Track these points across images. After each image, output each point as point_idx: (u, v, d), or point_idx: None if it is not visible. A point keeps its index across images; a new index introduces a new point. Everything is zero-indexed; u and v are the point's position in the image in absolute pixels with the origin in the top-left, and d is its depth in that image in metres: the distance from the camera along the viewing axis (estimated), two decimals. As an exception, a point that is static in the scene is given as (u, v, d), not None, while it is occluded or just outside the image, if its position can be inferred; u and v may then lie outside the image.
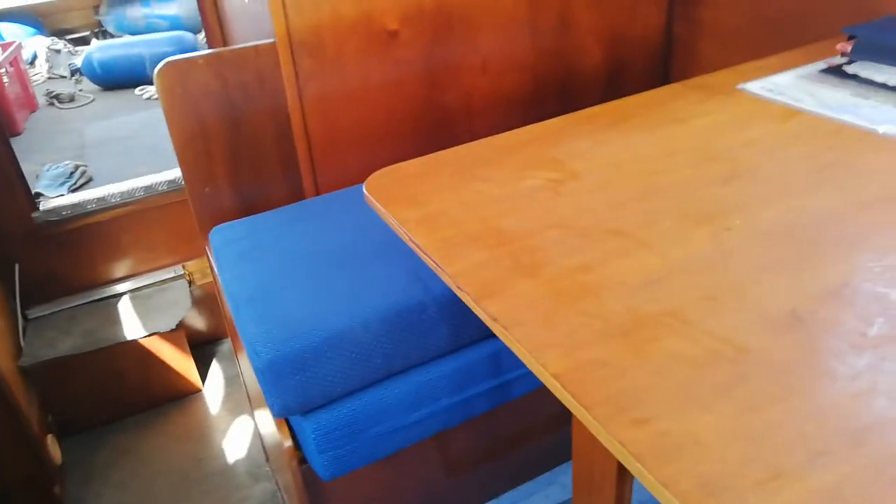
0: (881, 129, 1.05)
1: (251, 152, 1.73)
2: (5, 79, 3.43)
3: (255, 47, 1.67)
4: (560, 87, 2.05)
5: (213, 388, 2.59)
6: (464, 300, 0.79)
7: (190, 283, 2.61)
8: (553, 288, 0.78)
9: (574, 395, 0.62)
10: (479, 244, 0.88)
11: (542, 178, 1.04)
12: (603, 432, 0.58)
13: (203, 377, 2.61)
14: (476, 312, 0.76)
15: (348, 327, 1.12)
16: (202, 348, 2.73)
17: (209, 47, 2.75)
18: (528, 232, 0.90)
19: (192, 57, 1.63)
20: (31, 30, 4.96)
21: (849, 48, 1.27)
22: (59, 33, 5.12)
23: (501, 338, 0.72)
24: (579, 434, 1.06)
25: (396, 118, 1.82)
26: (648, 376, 0.64)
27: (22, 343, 2.28)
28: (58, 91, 3.99)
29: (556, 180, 1.03)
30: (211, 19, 2.55)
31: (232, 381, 2.61)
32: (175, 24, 4.84)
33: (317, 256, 1.32)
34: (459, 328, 1.18)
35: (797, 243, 0.82)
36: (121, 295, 2.53)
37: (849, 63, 1.27)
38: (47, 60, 4.60)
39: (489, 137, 1.21)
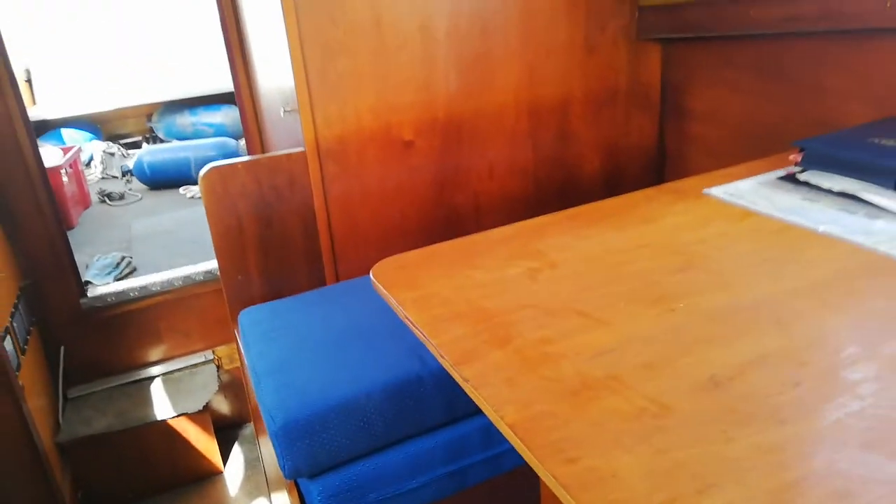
0: (821, 228, 1.21)
1: (280, 245, 1.94)
2: (65, 178, 3.79)
3: (288, 155, 1.92)
4: (561, 191, 2.26)
5: (234, 471, 2.69)
6: (444, 366, 0.94)
7: (218, 367, 2.78)
8: (520, 356, 0.93)
9: (523, 440, 0.76)
10: (462, 320, 1.04)
11: (524, 266, 1.21)
12: (541, 468, 0.72)
13: (225, 459, 2.72)
14: (452, 375, 0.91)
15: (353, 397, 1.27)
16: (226, 432, 2.86)
17: (248, 152, 3.06)
18: (506, 311, 1.06)
19: (233, 162, 1.88)
20: (89, 135, 5.46)
21: (800, 158, 1.45)
22: (115, 138, 5.62)
23: (471, 395, 0.87)
24: (546, 496, 1.17)
25: (410, 216, 2.04)
26: (586, 426, 0.77)
27: (60, 420, 2.44)
28: (109, 190, 4.36)
29: (535, 269, 1.20)
30: (251, 128, 2.87)
31: (252, 464, 2.72)
32: (220, 130, 5.29)
33: (332, 335, 1.48)
34: (453, 401, 1.31)
35: (730, 322, 0.96)
36: (154, 377, 2.70)
37: (802, 171, 1.45)
38: (102, 162, 5.03)
39: (484, 231, 1.39)
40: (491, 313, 1.06)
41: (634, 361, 0.89)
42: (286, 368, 1.37)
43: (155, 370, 2.73)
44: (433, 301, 1.11)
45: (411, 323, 1.05)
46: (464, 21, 1.97)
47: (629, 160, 2.37)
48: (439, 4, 1.93)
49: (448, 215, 2.08)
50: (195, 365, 2.78)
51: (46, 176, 2.49)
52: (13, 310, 2.20)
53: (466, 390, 0.88)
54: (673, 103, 2.34)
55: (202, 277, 2.74)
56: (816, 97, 1.84)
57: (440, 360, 0.95)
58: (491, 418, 0.82)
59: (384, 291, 1.16)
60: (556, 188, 2.25)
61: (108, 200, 4.23)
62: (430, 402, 1.30)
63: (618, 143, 2.32)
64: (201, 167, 1.87)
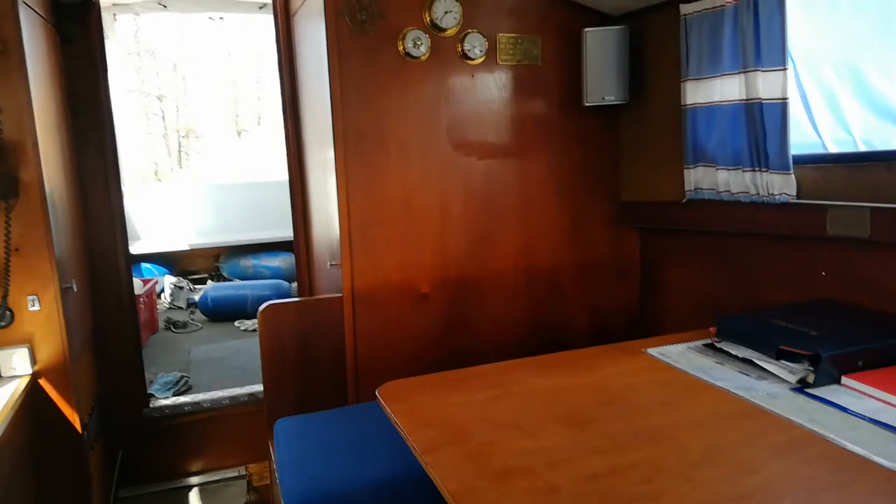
0: (718, 384, 1.60)
1: (313, 369, 2.40)
2: (142, 305, 4.40)
3: (329, 298, 2.42)
4: (553, 339, 2.69)
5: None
6: (414, 454, 1.34)
7: (248, 483, 3.12)
8: (467, 451, 1.33)
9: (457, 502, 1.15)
10: (434, 426, 1.45)
11: (490, 393, 1.63)
12: (461, 513, 1.10)
13: (244, 569, 2.98)
14: (419, 459, 1.31)
15: (357, 491, 1.65)
16: (247, 543, 3.13)
17: (299, 294, 3.60)
18: (467, 422, 1.46)
19: (286, 302, 2.40)
20: (162, 270, 6.20)
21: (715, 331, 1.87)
22: (184, 274, 6.35)
23: (428, 472, 1.26)
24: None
25: (421, 352, 2.48)
26: (501, 496, 1.16)
27: (109, 518, 2.80)
28: (175, 318, 4.96)
29: (497, 395, 1.61)
30: (303, 274, 3.43)
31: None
32: (276, 272, 5.96)
33: (346, 443, 1.88)
34: (430, 494, 1.67)
35: (620, 440, 1.35)
36: (193, 486, 3.06)
37: (719, 341, 1.85)
38: (171, 294, 5.70)
39: (470, 367, 1.82)
40: (456, 423, 1.47)
41: (544, 460, 1.28)
42: (307, 463, 1.77)
43: (194, 480, 3.10)
44: (417, 412, 1.53)
45: (398, 426, 1.47)
46: (474, 205, 2.54)
47: (613, 320, 2.80)
48: (455, 193, 2.51)
49: (453, 352, 2.52)
50: (229, 479, 3.13)
51: (135, 302, 3.06)
52: (90, 411, 2.66)
53: (426, 469, 1.28)
54: (649, 277, 2.80)
55: (245, 399, 3.17)
56: (754, 282, 2.27)
57: (412, 450, 1.36)
58: (439, 489, 1.21)
59: (383, 403, 1.59)
60: (549, 337, 2.68)
61: (172, 328, 4.81)
62: (413, 496, 1.67)
63: (603, 305, 2.77)
64: (257, 304, 2.39)
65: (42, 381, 2.14)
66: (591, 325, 2.78)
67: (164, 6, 4.18)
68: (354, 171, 2.37)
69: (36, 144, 2.04)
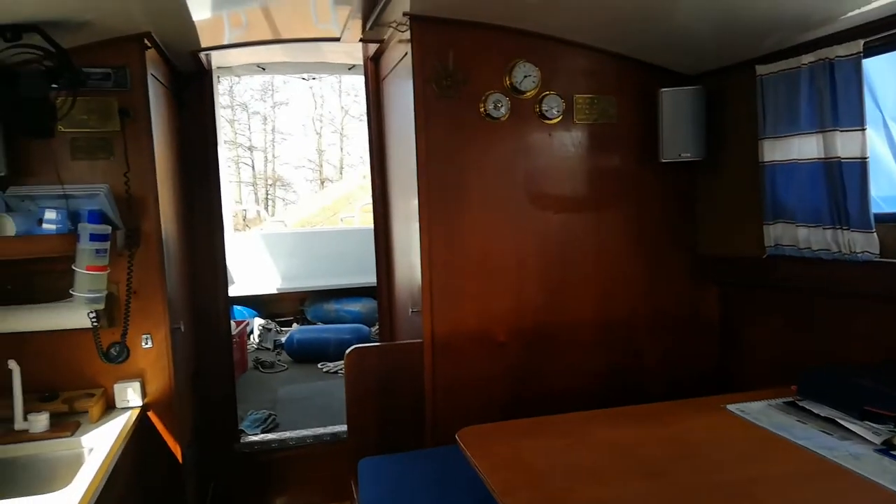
0: (799, 442, 1.59)
1: (394, 411, 2.51)
2: (234, 345, 4.66)
3: (410, 343, 2.55)
4: (627, 391, 2.70)
5: None
6: (493, 496, 1.41)
7: (331, 520, 3.23)
8: (546, 494, 1.40)
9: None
10: (512, 470, 1.52)
11: (566, 442, 1.69)
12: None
13: None
14: (495, 499, 1.38)
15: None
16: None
17: (380, 339, 3.75)
18: (544, 469, 1.53)
19: (371, 346, 2.54)
20: (252, 312, 6.54)
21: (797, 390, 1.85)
22: (272, 316, 6.67)
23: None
24: None
25: (497, 398, 2.55)
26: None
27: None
28: (263, 359, 5.21)
29: (572, 444, 1.67)
30: (385, 319, 3.57)
31: None
32: (356, 317, 6.18)
33: (426, 483, 1.97)
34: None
35: (692, 491, 1.37)
36: (275, 522, 3.20)
37: (801, 399, 1.84)
38: (259, 336, 5.99)
39: (546, 416, 1.88)
40: (533, 468, 1.53)
41: (621, 507, 1.33)
42: (390, 497, 1.86)
43: (276, 515, 3.24)
44: (496, 457, 1.61)
45: (477, 469, 1.55)
46: (551, 257, 2.62)
47: (689, 374, 2.78)
48: (533, 245, 2.61)
49: (528, 400, 2.57)
50: (312, 514, 3.25)
51: (231, 343, 3.28)
52: (189, 443, 2.85)
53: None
54: (727, 331, 2.77)
55: (328, 438, 3.31)
56: (837, 340, 2.22)
57: (491, 492, 1.43)
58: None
59: (463, 447, 1.67)
60: (622, 389, 2.69)
61: (260, 368, 5.07)
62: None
63: (679, 359, 2.77)
64: (338, 347, 2.55)
65: (150, 413, 2.34)
66: (667, 379, 2.77)
67: (263, 69, 4.56)
68: (437, 223, 2.51)
69: (156, 199, 2.29)
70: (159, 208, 2.30)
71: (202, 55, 2.94)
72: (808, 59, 2.07)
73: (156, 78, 2.45)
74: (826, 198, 2.07)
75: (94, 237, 1.94)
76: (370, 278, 3.54)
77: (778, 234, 2.28)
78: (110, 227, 2.03)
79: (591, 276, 2.68)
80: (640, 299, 2.74)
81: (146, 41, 2.26)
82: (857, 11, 1.93)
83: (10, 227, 1.89)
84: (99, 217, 2.00)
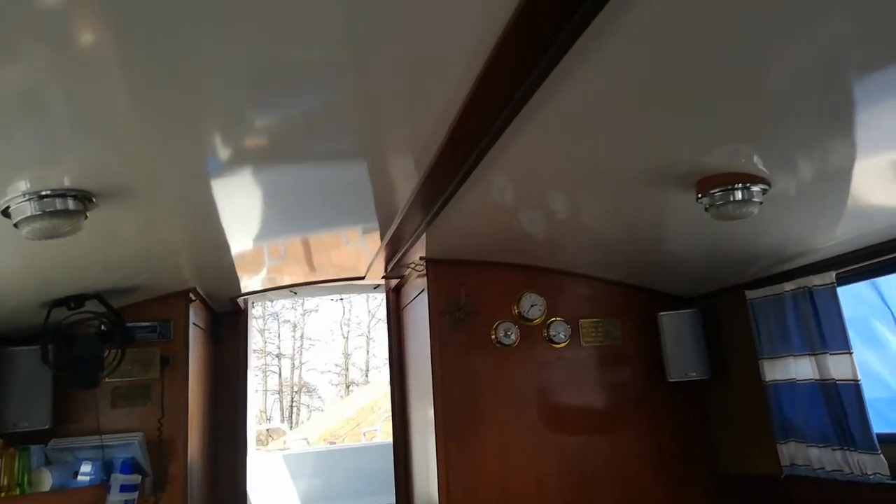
0: None
1: None
2: None
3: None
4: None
5: None
6: None
7: None
8: None
9: None
10: None
11: None
12: None
13: None
14: None
15: None
16: None
17: None
18: None
19: None
20: None
21: None
22: None
23: None
24: None
25: None
26: None
27: None
28: None
29: None
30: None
31: None
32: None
33: None
34: None
35: None
36: None
37: None
38: None
39: None
40: None
41: None
42: None
43: None
44: None
45: None
46: (569, 477, 2.62)
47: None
48: (549, 466, 2.62)
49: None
50: None
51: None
52: None
53: None
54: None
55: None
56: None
57: None
58: None
59: None
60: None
61: None
62: None
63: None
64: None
65: None
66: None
67: (295, 293, 4.87)
68: (454, 449, 2.56)
69: (186, 441, 2.39)
70: (188, 450, 2.40)
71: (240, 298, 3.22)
72: (789, 286, 2.24)
73: (197, 325, 2.68)
74: (828, 418, 2.11)
75: (125, 488, 2.03)
76: (390, 497, 3.50)
77: (791, 453, 2.29)
78: (140, 477, 2.12)
79: (611, 496, 2.65)
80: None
81: (191, 295, 2.53)
82: (827, 244, 2.12)
83: (47, 482, 1.99)
84: (131, 467, 2.10)
